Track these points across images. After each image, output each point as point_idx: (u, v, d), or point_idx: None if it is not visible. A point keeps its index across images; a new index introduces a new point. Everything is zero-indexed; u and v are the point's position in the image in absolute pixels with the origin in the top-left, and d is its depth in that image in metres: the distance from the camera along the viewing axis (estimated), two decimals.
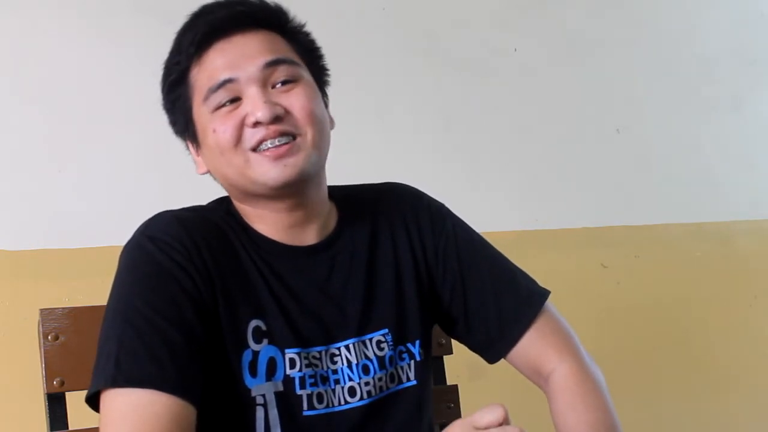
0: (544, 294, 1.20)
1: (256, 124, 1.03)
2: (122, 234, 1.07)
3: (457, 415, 1.45)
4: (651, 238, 2.63)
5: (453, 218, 1.23)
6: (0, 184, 1.84)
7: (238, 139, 1.04)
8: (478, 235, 1.23)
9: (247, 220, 1.12)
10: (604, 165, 2.60)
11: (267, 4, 1.10)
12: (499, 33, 2.47)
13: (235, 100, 1.04)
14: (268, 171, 1.04)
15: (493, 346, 1.19)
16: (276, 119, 1.03)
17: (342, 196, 1.19)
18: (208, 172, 1.12)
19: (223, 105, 1.04)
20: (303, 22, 1.13)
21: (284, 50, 1.08)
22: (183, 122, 1.10)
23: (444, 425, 1.43)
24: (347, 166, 1.19)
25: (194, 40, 1.05)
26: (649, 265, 2.61)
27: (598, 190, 2.59)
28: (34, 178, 1.87)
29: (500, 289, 1.19)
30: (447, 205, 1.26)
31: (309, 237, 1.12)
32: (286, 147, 1.04)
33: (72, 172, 1.90)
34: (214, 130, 1.04)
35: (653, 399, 2.54)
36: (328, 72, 1.15)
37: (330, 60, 1.17)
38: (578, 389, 1.12)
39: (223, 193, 1.15)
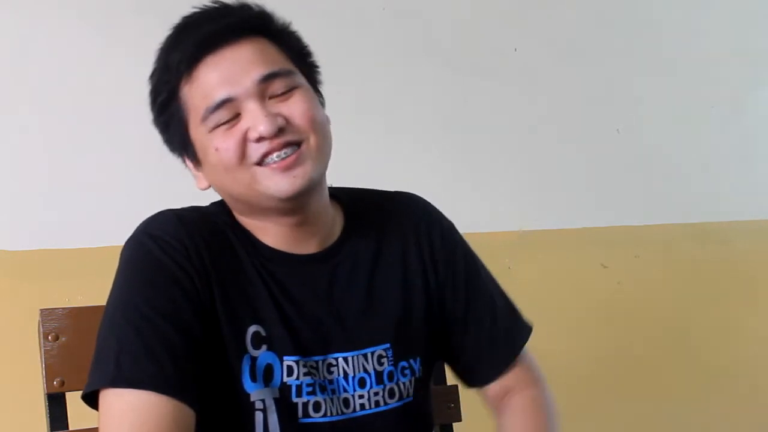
0: (529, 327, 1.24)
1: (260, 138, 1.01)
2: (122, 234, 1.07)
3: (457, 415, 1.45)
4: (651, 238, 2.63)
5: (459, 235, 1.24)
6: (0, 184, 1.84)
7: (242, 155, 1.02)
8: (479, 259, 1.25)
9: (248, 229, 1.11)
10: (604, 165, 2.59)
11: (250, 10, 1.08)
12: (499, 33, 2.47)
13: (234, 116, 1.02)
14: (277, 183, 1.02)
15: (480, 372, 1.22)
16: (279, 131, 1.01)
17: (349, 200, 1.18)
18: (210, 187, 1.11)
19: (222, 123, 1.02)
20: (288, 21, 1.10)
21: (276, 58, 1.06)
22: (180, 141, 1.08)
23: (445, 426, 1.44)
24: (347, 166, 1.19)
25: (183, 57, 1.03)
26: (649, 265, 2.61)
27: (598, 190, 2.59)
28: (34, 178, 1.87)
29: (498, 313, 1.21)
30: (447, 205, 1.26)
31: (311, 245, 1.11)
32: (292, 158, 1.02)
33: (72, 172, 1.90)
34: (217, 149, 1.02)
35: (653, 399, 2.54)
36: (319, 69, 1.13)
37: (329, 60, 1.16)
38: (533, 412, 1.18)
39: None
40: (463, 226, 1.27)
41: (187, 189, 1.16)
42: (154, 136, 1.13)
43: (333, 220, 1.15)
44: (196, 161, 1.08)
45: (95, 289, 1.11)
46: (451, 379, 1.47)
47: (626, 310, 2.54)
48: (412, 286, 1.16)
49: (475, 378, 1.23)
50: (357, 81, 2.19)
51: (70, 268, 1.87)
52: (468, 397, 1.46)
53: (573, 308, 2.39)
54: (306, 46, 1.12)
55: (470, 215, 1.27)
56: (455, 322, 1.20)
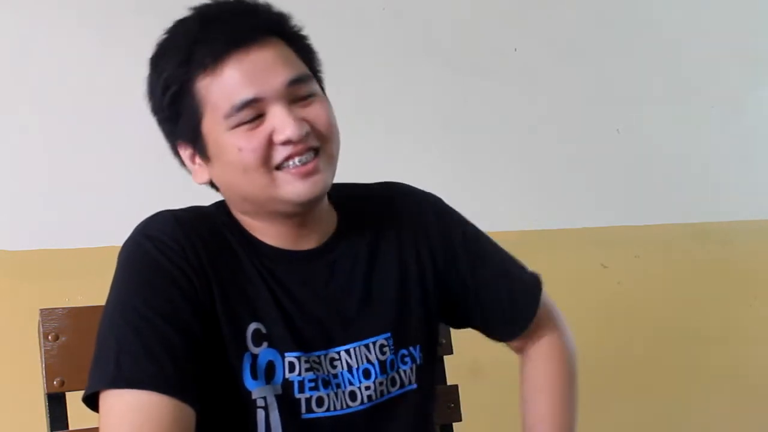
0: (539, 279, 1.28)
1: (286, 141, 1.02)
2: (122, 234, 1.07)
3: (457, 415, 1.45)
4: (651, 238, 2.63)
5: (455, 212, 1.25)
6: (0, 184, 1.84)
7: (266, 158, 1.02)
8: (474, 225, 1.27)
9: (246, 228, 1.11)
10: (604, 165, 2.59)
11: (272, 10, 1.08)
12: (499, 33, 2.47)
13: (258, 116, 1.02)
14: (296, 188, 1.03)
15: (503, 333, 1.27)
16: (305, 135, 1.03)
17: (340, 196, 1.18)
18: (210, 182, 1.10)
19: (245, 122, 1.02)
20: (301, 25, 1.11)
21: (297, 63, 1.06)
22: (189, 134, 1.07)
23: (445, 426, 1.44)
24: (346, 166, 1.19)
25: (209, 52, 1.01)
26: (649, 265, 2.61)
27: (598, 190, 2.59)
28: (34, 178, 1.87)
29: (508, 276, 1.24)
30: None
31: (309, 242, 1.12)
32: (312, 164, 1.03)
33: (72, 172, 1.90)
34: (240, 149, 1.02)
35: (652, 399, 2.54)
36: (322, 75, 1.14)
37: (329, 60, 1.16)
38: (555, 353, 1.26)
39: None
40: None
41: (187, 189, 1.16)
42: (154, 136, 1.13)
43: (328, 216, 1.16)
44: (205, 157, 1.07)
45: (95, 289, 1.11)
46: (451, 379, 1.47)
47: (626, 310, 2.54)
48: (408, 273, 1.17)
49: (498, 336, 1.28)
50: (357, 81, 2.19)
51: (70, 268, 1.87)
52: (468, 397, 1.46)
53: (573, 308, 2.37)
54: (315, 52, 1.12)
55: (470, 215, 1.27)
56: (468, 297, 1.22)
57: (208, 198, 1.16)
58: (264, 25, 1.05)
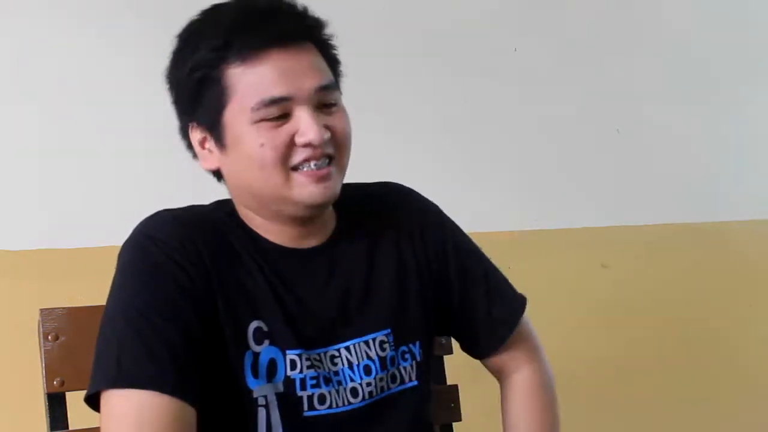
0: (524, 300, 1.27)
1: (307, 145, 1.03)
2: (122, 234, 1.07)
3: (457, 415, 1.45)
4: (651, 238, 2.63)
5: (447, 220, 1.26)
6: (0, 184, 1.84)
7: (286, 157, 1.03)
8: (467, 236, 1.27)
9: (249, 224, 1.12)
10: (604, 165, 2.60)
11: (313, 17, 1.09)
12: (499, 33, 2.47)
13: (282, 115, 1.03)
14: (309, 191, 1.05)
15: (481, 347, 1.26)
16: (325, 141, 1.04)
17: (340, 195, 1.19)
18: (218, 170, 1.10)
19: (269, 119, 1.03)
20: (332, 33, 1.12)
21: (327, 70, 1.08)
22: (207, 118, 1.06)
23: (445, 426, 1.44)
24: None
25: (252, 44, 1.02)
26: (649, 265, 2.61)
27: (598, 190, 2.59)
28: (34, 178, 1.87)
29: (492, 292, 1.24)
30: (447, 204, 1.28)
31: (310, 241, 1.13)
32: (326, 170, 1.05)
33: (72, 172, 1.90)
34: (263, 144, 1.02)
35: (652, 399, 2.54)
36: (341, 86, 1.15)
37: None
38: (536, 394, 1.25)
39: (224, 194, 1.15)
40: (462, 226, 1.28)
41: (187, 189, 1.16)
42: (156, 137, 1.12)
43: (329, 215, 1.16)
44: (221, 144, 1.06)
45: (95, 289, 1.11)
46: (451, 378, 1.47)
47: (626, 310, 2.54)
48: (407, 270, 1.18)
49: (476, 351, 1.27)
50: (357, 81, 2.18)
51: (70, 268, 1.87)
52: (468, 397, 1.47)
53: (573, 308, 2.39)
54: (340, 62, 1.13)
55: (470, 215, 1.27)
56: (452, 305, 1.22)
57: (208, 199, 1.16)
58: (305, 29, 1.07)
